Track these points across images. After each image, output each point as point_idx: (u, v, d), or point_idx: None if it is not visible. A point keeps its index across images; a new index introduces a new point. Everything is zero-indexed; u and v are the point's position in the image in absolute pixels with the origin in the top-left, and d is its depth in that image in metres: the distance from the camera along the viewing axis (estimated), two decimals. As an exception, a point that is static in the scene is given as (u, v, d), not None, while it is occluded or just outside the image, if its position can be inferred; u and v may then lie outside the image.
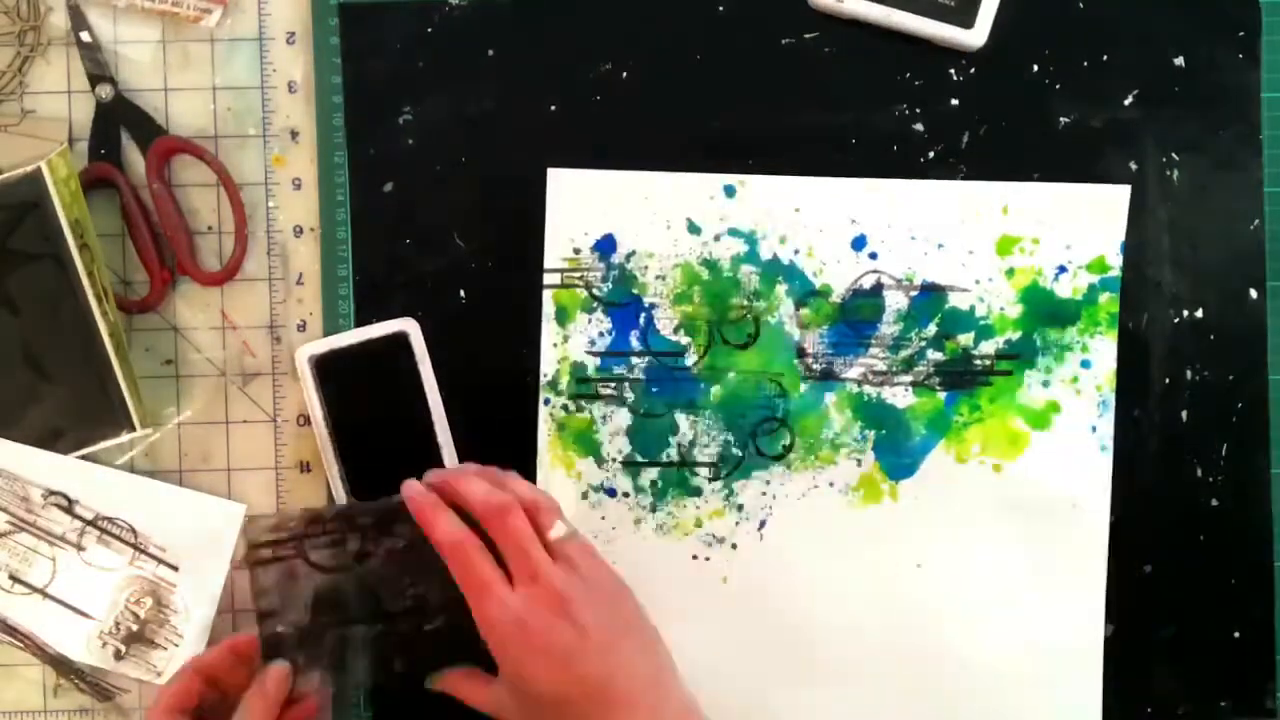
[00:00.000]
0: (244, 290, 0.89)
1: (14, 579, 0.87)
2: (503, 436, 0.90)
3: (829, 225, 0.90)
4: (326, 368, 0.88)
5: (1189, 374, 0.90)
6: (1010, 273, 0.90)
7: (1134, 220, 0.90)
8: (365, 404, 0.89)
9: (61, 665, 0.87)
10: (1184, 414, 0.90)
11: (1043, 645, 0.90)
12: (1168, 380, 0.90)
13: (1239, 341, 0.90)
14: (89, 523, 0.87)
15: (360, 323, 0.89)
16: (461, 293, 0.89)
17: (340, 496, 0.88)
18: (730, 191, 0.90)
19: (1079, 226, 0.90)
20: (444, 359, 0.89)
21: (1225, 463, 0.90)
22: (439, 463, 0.88)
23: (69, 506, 0.87)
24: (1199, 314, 0.90)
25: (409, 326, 0.88)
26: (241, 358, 0.89)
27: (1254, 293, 0.90)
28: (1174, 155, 0.90)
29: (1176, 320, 0.90)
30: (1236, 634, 0.90)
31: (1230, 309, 0.90)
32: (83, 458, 0.87)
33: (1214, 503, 0.90)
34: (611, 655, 0.76)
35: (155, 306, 0.88)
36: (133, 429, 0.86)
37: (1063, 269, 0.90)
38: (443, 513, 0.78)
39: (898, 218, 0.90)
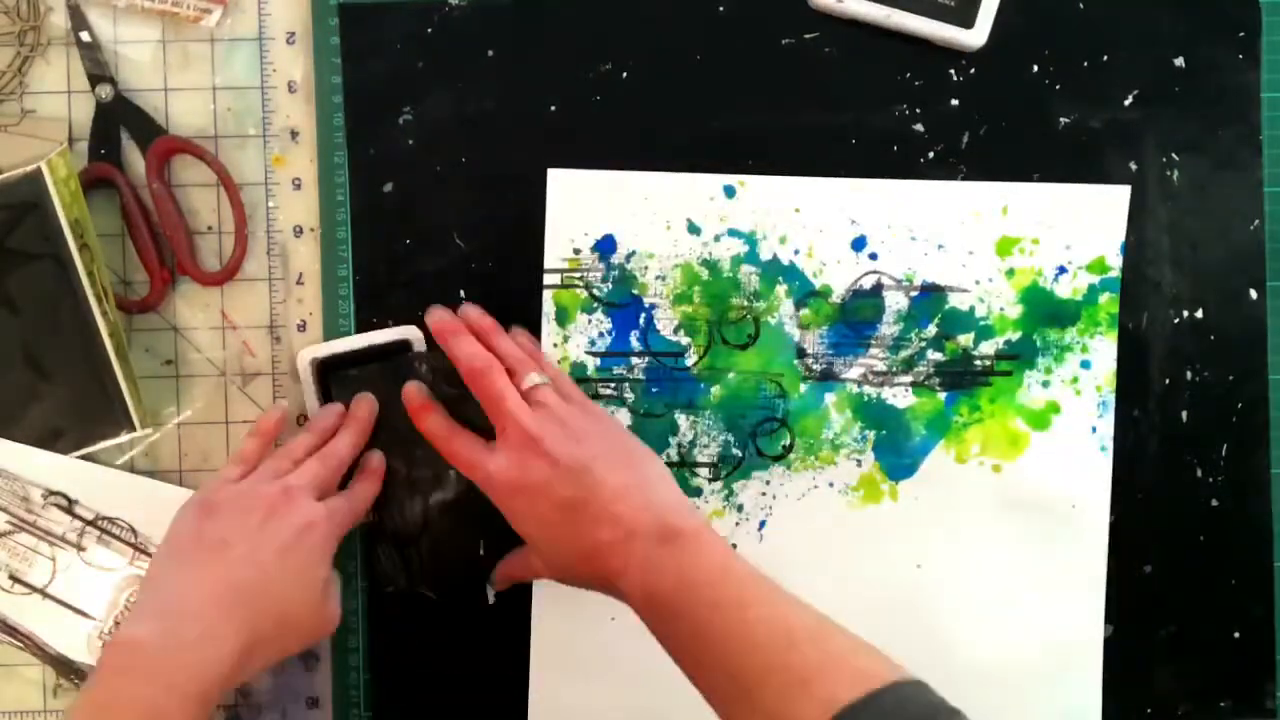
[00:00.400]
0: (244, 290, 0.89)
1: (14, 579, 0.87)
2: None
3: (829, 226, 0.90)
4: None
5: (1189, 374, 0.90)
6: (1010, 273, 0.90)
7: (1134, 220, 0.90)
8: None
9: (61, 665, 0.87)
10: (1184, 414, 0.90)
11: (1043, 645, 0.90)
12: (1168, 380, 0.90)
13: (1239, 341, 0.90)
14: (89, 523, 0.87)
15: (360, 323, 0.89)
16: (461, 293, 0.89)
17: None
18: (730, 192, 0.90)
19: (1079, 227, 0.90)
20: (444, 361, 0.88)
21: (1225, 463, 0.90)
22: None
23: (69, 506, 0.87)
24: (1199, 314, 0.90)
25: (412, 334, 0.88)
26: (241, 358, 0.89)
27: (1254, 293, 0.90)
28: (1174, 155, 0.90)
29: (1176, 320, 0.90)
30: (1236, 634, 0.91)
31: (1230, 309, 0.90)
32: (83, 458, 0.87)
33: (1214, 503, 0.91)
34: (585, 476, 0.78)
35: (155, 306, 0.88)
36: (133, 429, 0.86)
37: (1063, 269, 0.90)
38: (433, 412, 0.86)
39: (898, 218, 0.90)
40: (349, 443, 0.85)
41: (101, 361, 0.85)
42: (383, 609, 0.90)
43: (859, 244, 0.90)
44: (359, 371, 0.88)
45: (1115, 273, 0.90)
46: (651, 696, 0.89)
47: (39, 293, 0.85)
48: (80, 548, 0.87)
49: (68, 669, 0.87)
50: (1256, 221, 0.90)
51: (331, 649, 0.90)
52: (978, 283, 0.90)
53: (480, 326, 0.87)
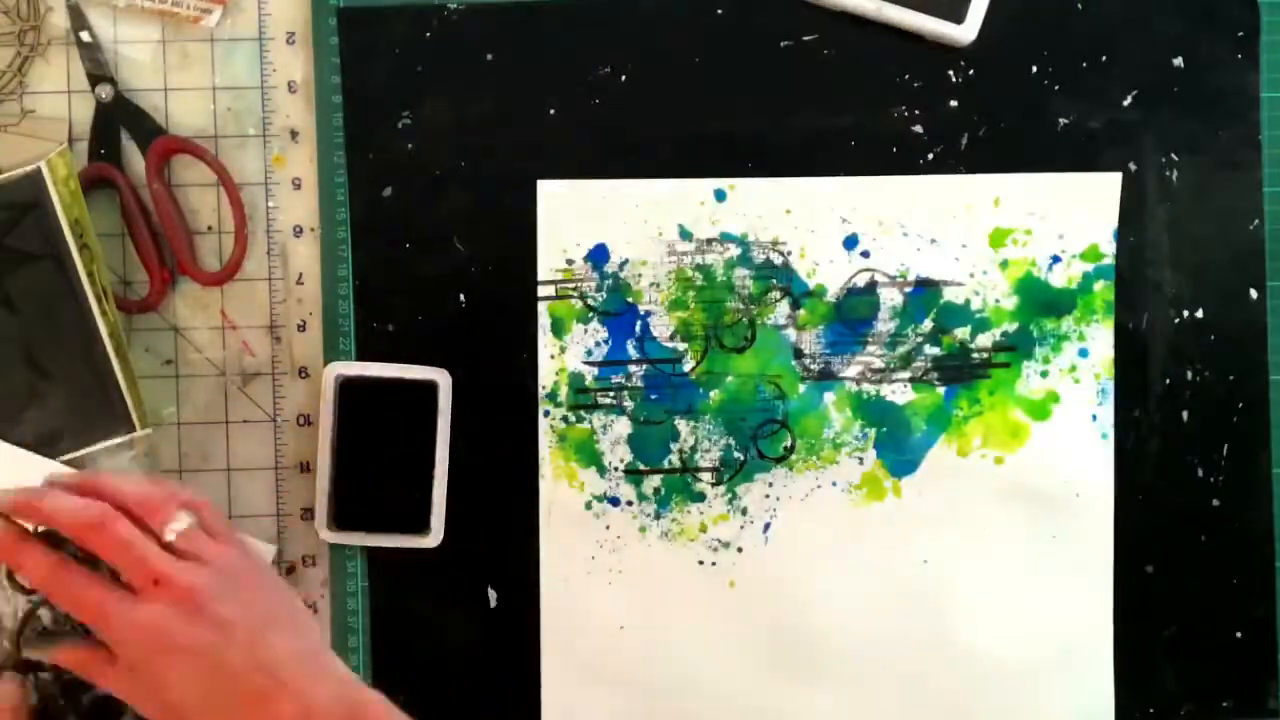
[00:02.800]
0: (244, 290, 0.89)
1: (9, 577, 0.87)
2: (504, 447, 0.90)
3: (820, 225, 0.90)
4: (350, 390, 0.88)
5: (1189, 374, 0.90)
6: (1004, 265, 0.90)
7: (1133, 220, 0.90)
8: (376, 437, 0.89)
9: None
10: (1184, 414, 0.90)
11: (1053, 635, 0.90)
12: (1168, 381, 0.90)
13: (1239, 342, 0.90)
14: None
15: (361, 325, 0.89)
16: (461, 297, 0.89)
17: (321, 515, 0.88)
18: (721, 196, 0.90)
19: (1071, 216, 0.90)
20: (445, 363, 0.88)
21: (1226, 463, 0.90)
22: (426, 511, 0.88)
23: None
24: (1199, 314, 0.90)
25: (441, 378, 0.88)
26: (241, 358, 0.89)
27: (1254, 293, 0.90)
28: (1173, 155, 0.90)
29: (1176, 320, 0.90)
30: (1238, 634, 0.90)
31: (1230, 309, 0.90)
32: (83, 457, 0.87)
33: (1215, 503, 0.90)
34: (261, 647, 0.70)
35: (155, 306, 0.88)
36: (132, 429, 0.86)
37: (1056, 259, 0.90)
38: (28, 546, 0.72)
39: (889, 215, 0.90)
40: None
41: (101, 361, 0.85)
42: (383, 609, 0.90)
43: (851, 242, 0.90)
44: (376, 391, 0.88)
45: (1109, 260, 0.90)
46: (659, 705, 0.90)
47: (39, 293, 0.84)
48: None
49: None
50: (1256, 221, 0.90)
51: (331, 649, 0.90)
52: (972, 275, 0.90)
53: (76, 484, 0.75)
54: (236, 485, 0.89)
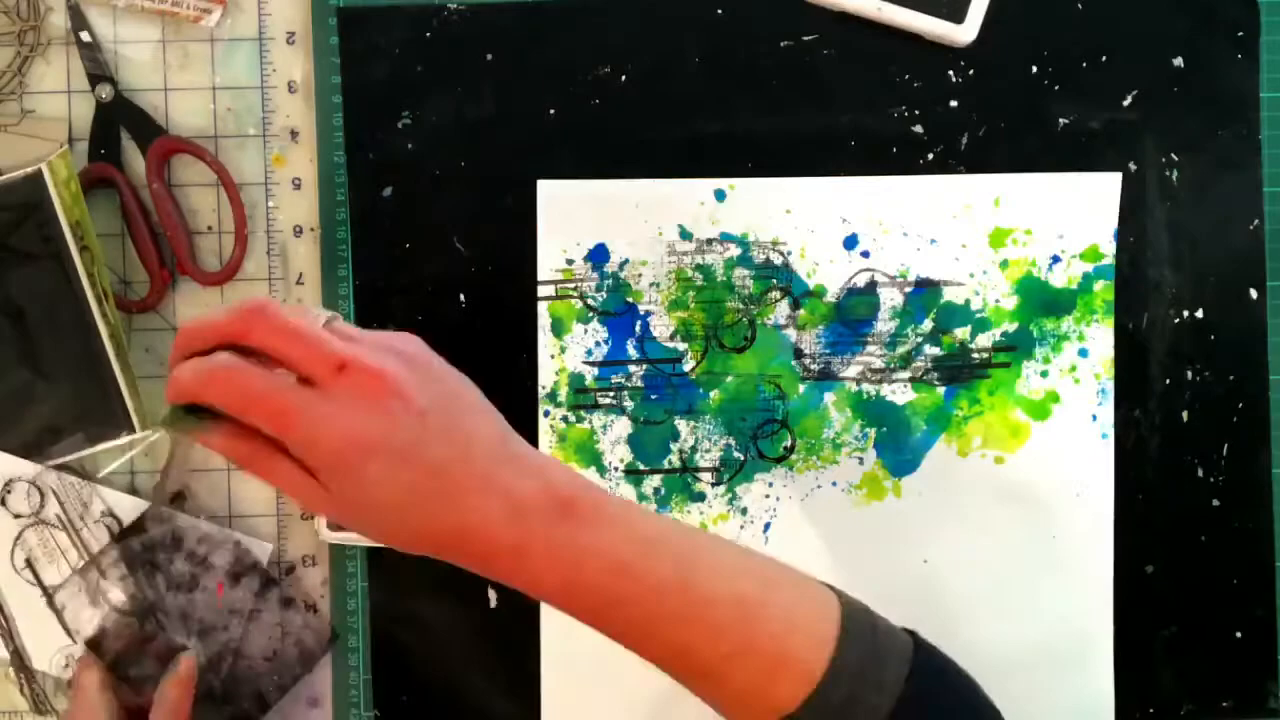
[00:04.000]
0: (244, 290, 0.89)
1: (29, 564, 0.87)
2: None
3: (820, 225, 0.90)
4: None
5: (1189, 374, 0.90)
6: (1004, 264, 0.90)
7: (1133, 220, 0.90)
8: None
9: (17, 659, 0.87)
10: (1184, 414, 0.90)
11: (1054, 634, 0.90)
12: (1168, 380, 0.90)
13: (1239, 342, 0.90)
14: (126, 557, 0.87)
15: (361, 325, 0.89)
16: (461, 296, 0.89)
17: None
18: (720, 196, 0.90)
19: (1071, 216, 0.90)
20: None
21: (1226, 463, 0.90)
22: None
23: (116, 534, 0.87)
24: (1199, 314, 0.90)
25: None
26: (241, 358, 0.89)
27: (1254, 293, 0.90)
28: (1173, 155, 0.90)
29: (1176, 320, 0.90)
30: (1238, 634, 0.90)
31: (1230, 309, 0.90)
32: (81, 458, 0.87)
33: (1215, 503, 0.90)
34: (460, 438, 0.64)
35: (155, 306, 0.88)
36: (132, 431, 0.86)
37: (1056, 259, 0.90)
38: (187, 365, 0.64)
39: (889, 215, 0.90)
40: None
41: (102, 363, 0.85)
42: (383, 609, 0.90)
43: (851, 242, 0.90)
44: None
45: (1109, 260, 0.90)
46: (659, 706, 0.90)
47: (39, 294, 0.85)
48: (103, 574, 0.87)
49: (20, 666, 0.87)
50: (1256, 221, 0.90)
51: (331, 649, 0.90)
52: (972, 275, 0.90)
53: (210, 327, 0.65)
54: (236, 485, 0.89)
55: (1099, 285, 0.90)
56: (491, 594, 0.90)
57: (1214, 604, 0.90)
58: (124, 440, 0.87)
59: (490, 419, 0.66)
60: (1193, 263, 0.90)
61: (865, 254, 0.90)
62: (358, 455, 0.61)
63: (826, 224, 0.90)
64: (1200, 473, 0.90)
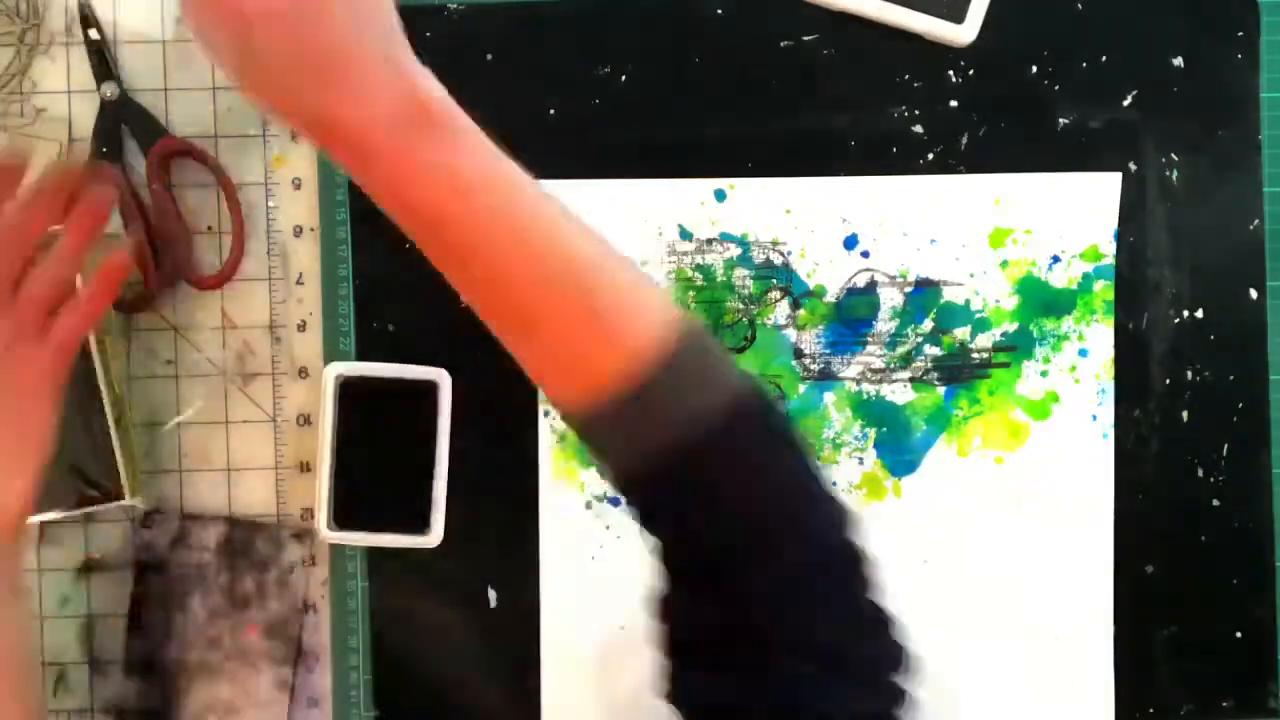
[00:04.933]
0: (244, 290, 0.89)
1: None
2: (504, 447, 0.90)
3: (820, 225, 0.90)
4: (350, 390, 0.88)
5: (1189, 374, 0.90)
6: (1004, 264, 0.90)
7: (1133, 220, 0.90)
8: (376, 437, 0.88)
9: None
10: (1184, 414, 0.90)
11: (1053, 635, 0.90)
12: (1168, 380, 0.90)
13: (1239, 341, 0.90)
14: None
15: (361, 325, 0.89)
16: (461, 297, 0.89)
17: (321, 515, 0.88)
18: (721, 196, 0.90)
19: (1071, 216, 0.90)
20: (445, 363, 0.88)
21: (1226, 463, 0.90)
22: (426, 511, 0.88)
23: None
24: (1199, 314, 0.90)
25: (441, 378, 0.88)
26: (241, 358, 0.89)
27: (1254, 293, 0.90)
28: (1173, 155, 0.90)
29: (1177, 320, 0.90)
30: (1238, 634, 0.90)
31: (1230, 309, 0.90)
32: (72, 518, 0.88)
33: (1215, 503, 0.90)
34: (359, 10, 0.62)
35: (148, 307, 0.89)
36: (120, 498, 0.86)
37: (1056, 259, 0.90)
38: None
39: (889, 215, 0.90)
40: (71, 251, 0.74)
41: (100, 431, 0.85)
42: (383, 609, 0.90)
43: (851, 242, 0.90)
44: (377, 391, 0.88)
45: (1109, 260, 0.90)
46: (659, 705, 0.90)
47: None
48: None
49: None
50: (1256, 221, 0.90)
51: (331, 649, 0.90)
52: (972, 275, 0.90)
53: None
54: (236, 485, 0.89)
55: (1099, 285, 0.90)
56: (491, 594, 0.90)
57: (1214, 604, 0.90)
58: (111, 506, 0.86)
59: (386, 9, 0.64)
60: (1192, 262, 0.90)
61: (865, 254, 0.90)
62: (259, 16, 0.60)
63: (826, 224, 0.90)
64: (1200, 473, 0.90)
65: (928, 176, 0.90)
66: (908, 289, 0.90)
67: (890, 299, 0.90)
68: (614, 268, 0.64)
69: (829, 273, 0.90)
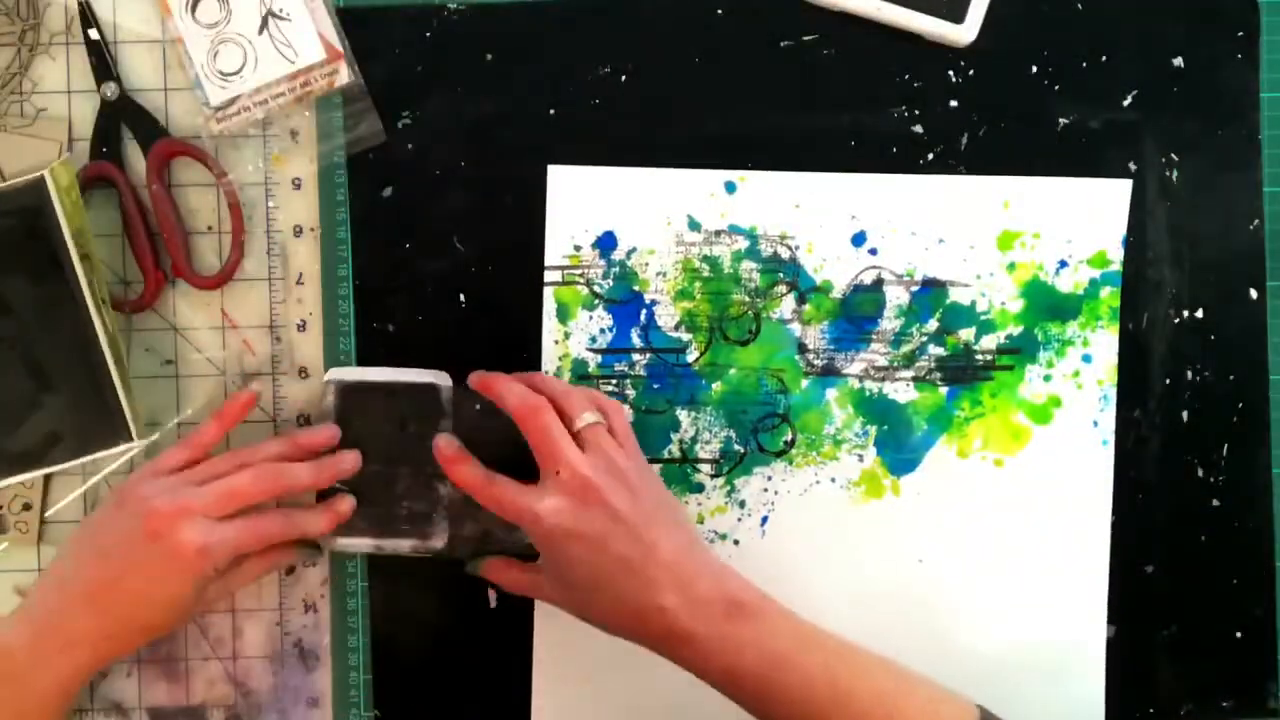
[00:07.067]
0: (244, 290, 0.89)
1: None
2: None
3: (829, 221, 0.90)
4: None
5: (1189, 374, 0.90)
6: (1011, 267, 0.90)
7: (1134, 220, 0.90)
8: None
9: None
10: (1184, 414, 0.90)
11: (1046, 639, 0.91)
12: (1168, 380, 0.90)
13: (1239, 341, 0.91)
14: None
15: (361, 326, 0.89)
16: (461, 296, 0.89)
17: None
18: (731, 188, 0.90)
19: (1080, 221, 0.90)
20: (445, 363, 0.88)
21: (1226, 463, 0.91)
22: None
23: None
24: (1199, 314, 0.90)
25: (441, 380, 0.87)
26: (241, 357, 0.89)
27: (1254, 292, 0.90)
28: (1173, 155, 0.90)
29: (1177, 320, 0.90)
30: (1238, 633, 0.90)
31: (1230, 309, 0.90)
32: (81, 465, 0.87)
33: (1214, 503, 0.90)
34: (644, 534, 0.78)
35: (148, 307, 0.88)
36: (129, 438, 0.85)
37: (1064, 263, 0.90)
38: (465, 462, 0.84)
39: (898, 213, 0.90)
40: (275, 477, 0.83)
41: (100, 371, 0.84)
42: (383, 609, 0.90)
43: (859, 239, 0.90)
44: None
45: (1116, 266, 0.90)
46: (654, 701, 0.90)
47: (40, 301, 0.84)
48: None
49: None
50: (1256, 221, 0.90)
51: (331, 649, 0.90)
52: (979, 277, 0.90)
53: (523, 376, 0.86)
54: (236, 486, 0.89)
55: (1105, 291, 0.90)
56: (491, 594, 0.90)
57: (1214, 604, 0.90)
58: (121, 449, 0.86)
59: (678, 530, 0.81)
60: (1193, 262, 0.90)
61: (873, 251, 0.90)
62: (562, 541, 0.79)
63: (835, 220, 0.90)
64: (1200, 473, 0.91)
65: (938, 176, 0.90)
66: (914, 288, 0.90)
67: (896, 297, 0.90)
68: (914, 688, 0.78)
69: (836, 269, 0.90)
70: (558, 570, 0.81)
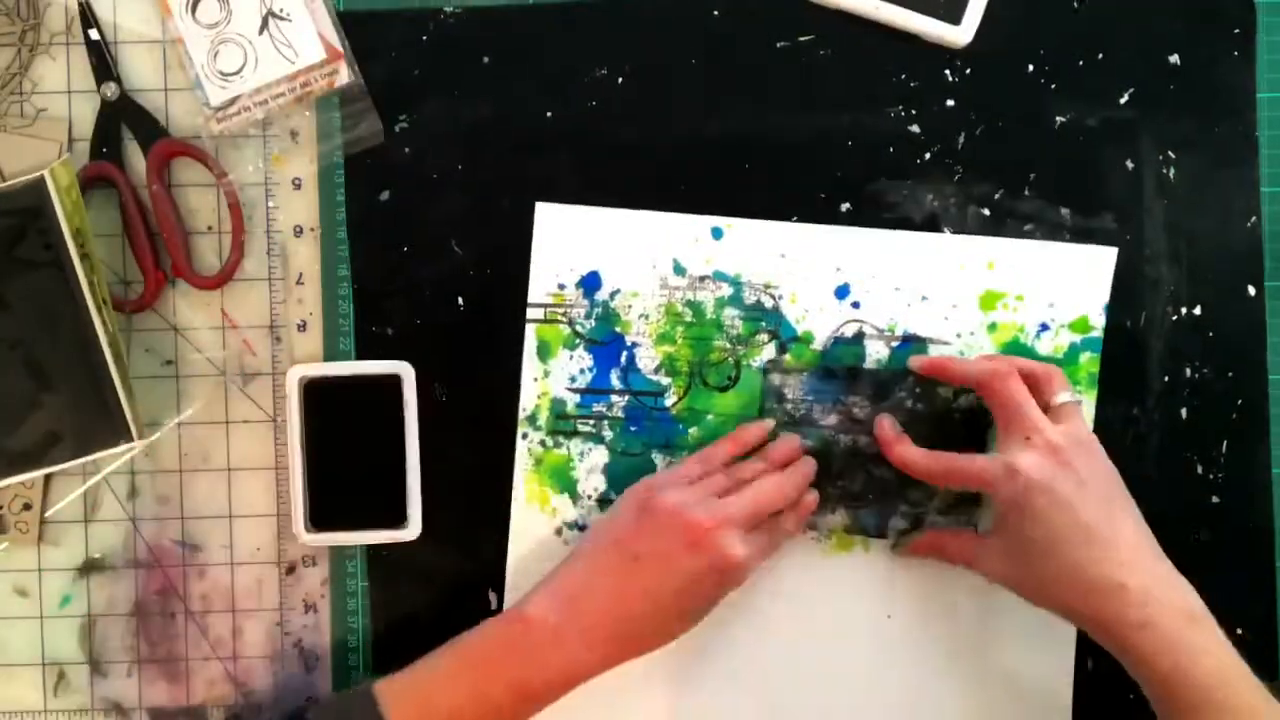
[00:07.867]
0: (244, 290, 0.89)
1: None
2: (505, 450, 0.90)
3: (813, 273, 0.90)
4: (315, 392, 0.88)
5: (1188, 372, 0.90)
6: (992, 327, 0.90)
7: (1131, 218, 0.90)
8: (345, 435, 0.88)
9: None
10: (1183, 411, 0.90)
11: (1014, 694, 0.91)
12: (1166, 378, 0.90)
13: (1237, 339, 0.91)
14: None
15: (360, 328, 0.89)
16: (459, 299, 0.90)
17: (298, 517, 0.88)
18: (717, 234, 0.90)
19: (1064, 285, 0.90)
20: (441, 365, 0.89)
21: (1225, 461, 0.90)
22: (401, 507, 0.88)
23: None
24: (1197, 311, 0.90)
25: (404, 370, 0.88)
26: (241, 357, 0.89)
27: (1252, 290, 0.90)
28: (1170, 153, 0.90)
29: (1175, 318, 0.90)
30: (1238, 631, 0.90)
31: (1228, 306, 0.91)
32: (81, 464, 0.87)
33: (1214, 500, 0.90)
34: (1111, 509, 0.79)
35: (147, 307, 0.89)
36: (129, 438, 0.85)
37: (1045, 326, 0.90)
38: (910, 448, 0.85)
39: (883, 268, 0.90)
40: (792, 486, 0.85)
41: (100, 371, 0.84)
42: (383, 609, 0.90)
43: (842, 292, 0.90)
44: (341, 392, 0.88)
45: (1097, 333, 0.90)
46: (653, 702, 0.89)
47: (40, 300, 0.84)
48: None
49: None
50: (1253, 219, 0.90)
51: (331, 649, 0.90)
52: (959, 335, 0.90)
53: (989, 357, 0.88)
54: (236, 485, 0.90)
55: (1085, 357, 0.90)
56: (491, 594, 0.90)
57: (1213, 603, 0.89)
58: (121, 449, 0.86)
59: (1139, 521, 0.81)
60: (1190, 260, 0.90)
61: (856, 305, 0.90)
62: (1029, 494, 0.79)
63: (820, 271, 0.90)
64: (1200, 471, 0.90)
65: (925, 234, 0.90)
66: (894, 343, 0.90)
67: (876, 351, 0.90)
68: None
69: (818, 320, 0.90)
70: (1015, 533, 0.81)
